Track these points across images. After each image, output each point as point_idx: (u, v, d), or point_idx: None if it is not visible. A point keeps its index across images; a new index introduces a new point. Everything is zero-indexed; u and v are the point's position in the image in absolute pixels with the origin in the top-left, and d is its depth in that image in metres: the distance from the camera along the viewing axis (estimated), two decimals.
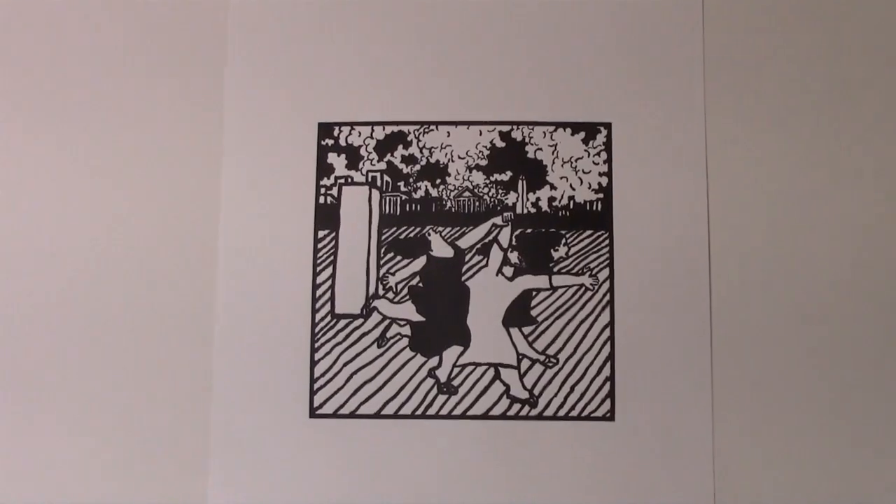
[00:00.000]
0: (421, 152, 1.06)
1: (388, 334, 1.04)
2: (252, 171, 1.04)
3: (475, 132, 1.06)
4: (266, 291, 1.03)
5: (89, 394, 1.00)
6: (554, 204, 1.06)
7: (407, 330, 1.04)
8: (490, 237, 1.05)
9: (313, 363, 1.03)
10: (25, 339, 1.00)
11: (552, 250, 1.05)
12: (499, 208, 1.05)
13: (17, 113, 1.02)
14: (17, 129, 1.02)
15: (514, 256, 1.05)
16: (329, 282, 1.05)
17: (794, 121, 1.03)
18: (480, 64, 1.06)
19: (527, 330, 1.04)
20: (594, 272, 1.04)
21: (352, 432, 1.01)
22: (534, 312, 1.04)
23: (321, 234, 1.05)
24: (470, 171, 1.06)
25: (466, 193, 1.05)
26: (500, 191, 1.05)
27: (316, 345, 1.03)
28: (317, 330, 1.03)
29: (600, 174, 1.06)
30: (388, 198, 1.06)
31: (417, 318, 1.04)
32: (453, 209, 1.05)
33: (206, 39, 1.04)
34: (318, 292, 1.04)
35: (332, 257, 1.05)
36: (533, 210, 1.06)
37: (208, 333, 1.03)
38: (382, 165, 1.06)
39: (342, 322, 1.04)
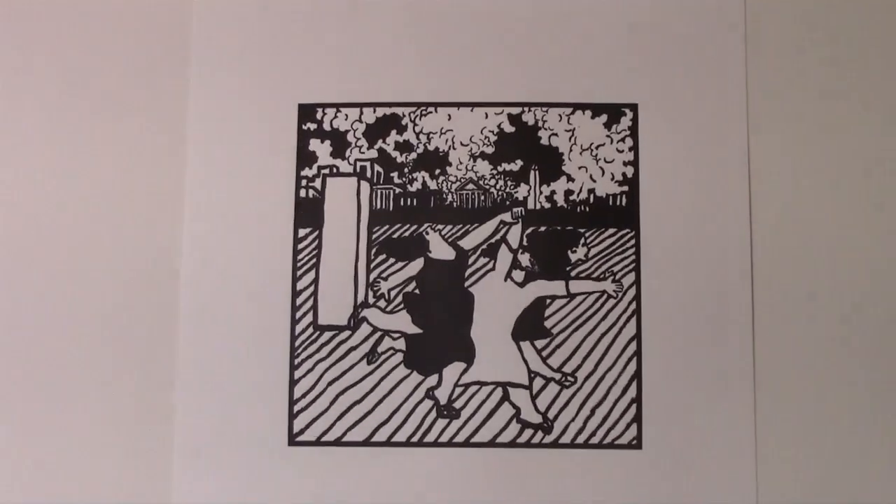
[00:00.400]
0: (417, 138, 1.00)
1: (380, 349, 0.97)
2: (221, 161, 0.98)
3: (480, 115, 1.00)
4: (237, 300, 0.97)
5: (44, 422, 0.96)
6: (571, 198, 0.99)
7: (401, 344, 0.97)
8: (497, 236, 0.99)
9: (292, 382, 0.96)
10: None
11: (569, 252, 0.98)
12: (507, 203, 0.99)
13: None
14: None
15: (525, 259, 0.98)
16: (311, 288, 0.98)
17: (847, 104, 0.98)
18: (486, 36, 1.00)
19: (540, 344, 0.97)
20: (618, 277, 0.97)
21: (337, 462, 0.94)
22: (548, 324, 0.97)
23: (302, 232, 0.98)
24: (474, 160, 0.99)
25: (470, 186, 0.99)
26: (509, 183, 0.99)
27: (296, 361, 0.96)
28: (297, 344, 0.96)
29: (625, 164, 0.99)
30: (379, 191, 0.99)
31: (413, 329, 0.97)
32: (455, 204, 0.99)
33: (168, 11, 0.99)
34: (299, 300, 0.97)
35: (314, 260, 0.98)
36: (547, 205, 0.99)
37: (170, 348, 0.96)
38: (373, 153, 1.00)
39: (326, 335, 0.97)
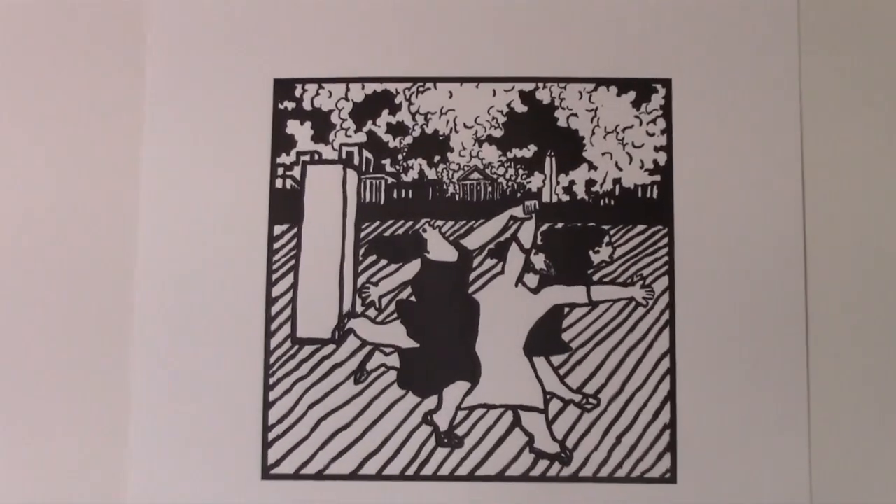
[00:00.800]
0: (413, 119, 0.95)
1: (369, 366, 0.92)
2: (182, 147, 0.93)
3: (486, 92, 0.94)
4: (200, 309, 0.92)
5: None
6: (593, 189, 0.94)
7: (394, 360, 0.92)
8: (507, 234, 0.94)
9: (267, 405, 0.91)
10: None
11: (591, 252, 0.93)
12: (519, 195, 0.94)
13: None
14: None
15: (539, 260, 0.94)
16: (288, 295, 0.93)
17: None
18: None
19: (557, 360, 0.92)
20: (648, 281, 0.92)
21: (320, 499, 0.89)
22: (566, 336, 0.92)
23: (278, 230, 0.93)
24: (480, 145, 0.94)
25: (475, 175, 0.94)
26: (521, 172, 0.94)
27: (271, 380, 0.91)
28: (272, 360, 0.91)
29: (657, 149, 0.94)
30: (368, 181, 0.94)
31: (408, 343, 0.92)
32: (457, 196, 0.94)
33: None
34: (274, 309, 0.92)
35: (292, 262, 0.93)
36: (565, 198, 0.94)
37: (122, 366, 0.92)
38: (361, 137, 0.95)
39: (306, 349, 0.92)
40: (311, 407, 0.91)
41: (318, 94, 0.95)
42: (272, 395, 0.91)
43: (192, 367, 0.91)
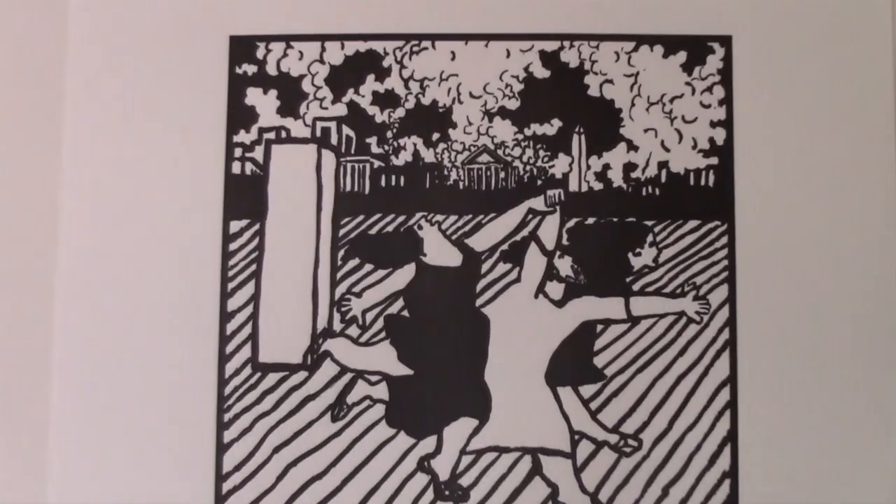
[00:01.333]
0: (406, 87, 0.92)
1: (350, 399, 0.88)
2: (111, 123, 0.90)
3: (499, 52, 0.91)
4: (137, 330, 0.88)
5: None
6: (634, 175, 0.91)
7: (382, 391, 0.89)
8: (525, 232, 0.91)
9: (221, 449, 0.87)
10: None
11: (631, 254, 0.89)
12: (539, 183, 0.91)
13: None
14: None
15: (565, 265, 0.90)
16: (248, 309, 0.89)
17: None
18: None
19: (588, 391, 0.88)
20: (702, 292, 0.89)
21: None
22: (599, 361, 0.88)
23: (235, 227, 0.90)
24: (490, 120, 0.92)
25: (484, 158, 0.91)
26: (542, 153, 0.91)
27: (226, 417, 0.87)
28: (227, 392, 0.88)
29: (713, 124, 0.90)
30: (350, 165, 0.92)
31: (400, 370, 0.89)
32: (461, 184, 0.91)
33: None
34: (230, 327, 0.89)
35: (253, 267, 0.90)
36: (597, 186, 0.91)
37: (42, 398, 0.88)
38: (340, 110, 0.92)
39: (270, 378, 0.89)
40: (276, 450, 0.87)
41: (285, 55, 0.92)
42: (227, 436, 0.87)
43: (126, 402, 0.87)
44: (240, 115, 0.90)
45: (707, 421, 0.86)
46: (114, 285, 0.88)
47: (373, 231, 0.90)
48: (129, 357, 0.87)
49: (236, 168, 0.90)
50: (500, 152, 0.91)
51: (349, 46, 0.91)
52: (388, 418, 0.88)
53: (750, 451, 0.86)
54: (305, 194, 0.90)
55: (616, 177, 0.90)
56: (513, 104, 0.91)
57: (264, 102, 0.91)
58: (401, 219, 0.91)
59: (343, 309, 0.89)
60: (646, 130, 0.90)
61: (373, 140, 0.91)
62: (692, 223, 0.89)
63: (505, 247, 0.90)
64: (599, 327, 0.89)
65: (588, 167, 0.90)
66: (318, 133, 0.91)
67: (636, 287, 0.89)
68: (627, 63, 0.90)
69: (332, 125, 0.91)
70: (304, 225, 0.90)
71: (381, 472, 0.86)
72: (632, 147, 0.90)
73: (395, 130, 0.91)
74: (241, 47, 0.90)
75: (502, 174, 0.91)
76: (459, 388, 0.88)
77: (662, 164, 0.90)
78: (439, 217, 0.90)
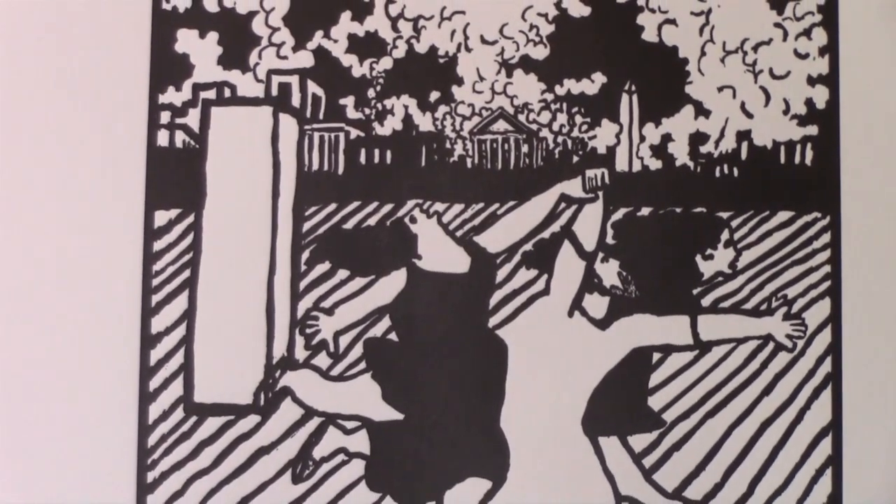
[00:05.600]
0: (395, 29, 0.79)
1: (317, 452, 0.75)
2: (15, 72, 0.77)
3: None
4: (29, 352, 0.74)
5: None
6: (704, 150, 0.77)
7: (361, 441, 0.76)
8: (555, 227, 0.77)
9: None
10: None
11: (700, 257, 0.76)
12: (576, 159, 0.77)
13: None
14: None
15: (609, 271, 0.77)
16: (178, 332, 0.76)
17: None
18: None
19: (641, 442, 0.75)
20: (796, 309, 0.75)
21: None
22: (655, 403, 0.75)
23: (161, 218, 0.76)
24: (508, 74, 0.78)
25: (500, 126, 0.78)
26: (579, 119, 0.77)
27: (149, 476, 0.74)
28: (151, 443, 0.74)
29: (812, 80, 0.76)
30: (318, 135, 0.78)
31: (385, 413, 0.76)
32: (470, 161, 0.78)
33: None
34: (155, 356, 0.75)
35: (185, 273, 0.76)
36: (655, 164, 0.77)
37: None
38: (305, 59, 0.78)
39: (210, 424, 0.75)
40: None
41: None
42: (151, 501, 0.75)
43: (22, 450, 0.75)
44: (167, 67, 0.77)
45: (801, 483, 0.74)
46: (18, 296, 0.76)
47: (348, 225, 0.78)
48: (39, 407, 0.74)
49: (162, 139, 0.77)
50: (521, 118, 0.79)
51: None
52: (370, 479, 0.76)
53: None
54: (257, 175, 0.77)
55: (680, 152, 0.78)
56: (539, 52, 0.79)
57: (201, 49, 0.78)
58: (387, 208, 0.79)
59: (308, 331, 0.77)
60: (720, 89, 0.78)
61: (349, 101, 0.78)
62: (783, 215, 0.77)
63: (528, 247, 0.79)
64: (656, 356, 0.77)
65: (642, 139, 0.78)
66: (275, 91, 0.79)
67: (706, 302, 0.77)
68: None
69: (294, 81, 0.79)
70: (254, 216, 0.77)
71: None
72: (701, 112, 0.78)
73: (379, 88, 0.79)
74: None
75: (525, 148, 0.79)
76: (466, 439, 0.77)
77: (743, 136, 0.77)
78: (439, 206, 0.78)
